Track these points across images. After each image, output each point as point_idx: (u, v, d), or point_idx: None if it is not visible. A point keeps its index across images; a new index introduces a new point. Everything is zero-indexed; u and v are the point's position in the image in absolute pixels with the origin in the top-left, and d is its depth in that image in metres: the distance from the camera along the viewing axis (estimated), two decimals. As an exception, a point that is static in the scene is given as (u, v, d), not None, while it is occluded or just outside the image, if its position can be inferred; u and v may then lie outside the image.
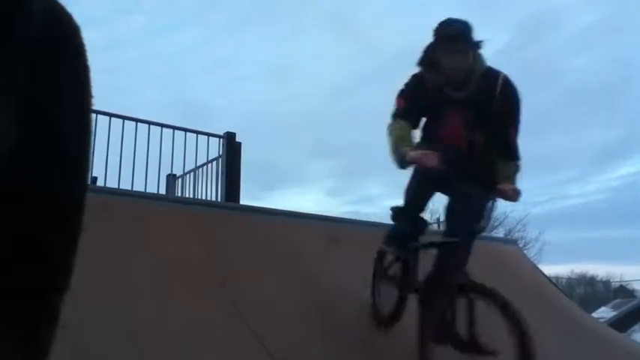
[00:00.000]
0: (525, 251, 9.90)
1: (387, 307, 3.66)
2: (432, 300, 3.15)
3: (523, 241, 27.50)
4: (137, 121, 6.76)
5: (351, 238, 4.93)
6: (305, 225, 5.07)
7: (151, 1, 48.28)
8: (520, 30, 47.00)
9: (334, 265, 4.41)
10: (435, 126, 3.37)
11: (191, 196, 7.49)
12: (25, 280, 0.55)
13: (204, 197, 7.31)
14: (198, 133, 7.26)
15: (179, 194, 7.61)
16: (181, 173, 7.65)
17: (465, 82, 3.25)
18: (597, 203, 45.27)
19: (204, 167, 7.48)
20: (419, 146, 3.28)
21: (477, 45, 3.25)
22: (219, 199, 7.09)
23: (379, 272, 3.92)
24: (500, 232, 29.85)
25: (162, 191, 7.13)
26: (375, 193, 45.63)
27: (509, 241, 8.56)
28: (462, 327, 2.98)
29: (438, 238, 3.47)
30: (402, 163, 3.23)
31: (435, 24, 3.27)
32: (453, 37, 3.20)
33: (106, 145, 6.31)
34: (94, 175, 5.92)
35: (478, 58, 3.28)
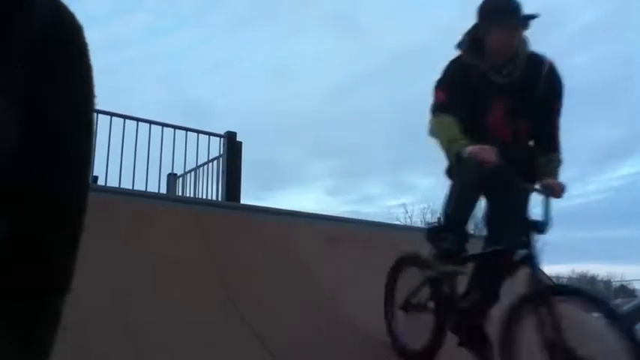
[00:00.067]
0: (526, 251, 9.84)
1: (416, 338, 3.22)
2: (523, 315, 2.71)
3: (524, 240, 27.43)
4: (138, 120, 6.77)
5: (352, 238, 4.93)
6: (306, 224, 5.07)
7: (152, 1, 48.35)
8: (522, 29, 46.83)
9: (335, 264, 4.41)
10: (478, 115, 3.07)
11: (192, 195, 7.50)
12: (25, 280, 0.55)
13: (204, 197, 7.32)
14: (199, 132, 7.27)
15: (180, 193, 7.62)
16: (182, 173, 7.65)
17: (510, 66, 3.01)
18: (598, 203, 45.19)
19: (205, 167, 7.49)
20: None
21: (528, 21, 2.94)
22: (219, 199, 7.09)
23: (394, 298, 3.56)
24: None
25: (163, 190, 7.14)
26: (375, 193, 45.67)
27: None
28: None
29: (493, 247, 3.05)
30: (458, 161, 2.92)
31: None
32: (504, 8, 2.93)
33: (107, 145, 6.32)
34: (94, 174, 5.93)
35: (524, 40, 3.04)
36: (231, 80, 49.45)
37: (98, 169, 5.99)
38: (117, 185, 6.10)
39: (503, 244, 2.95)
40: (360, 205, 44.09)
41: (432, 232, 3.19)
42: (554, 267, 33.13)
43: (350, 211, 43.01)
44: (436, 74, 3.22)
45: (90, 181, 0.64)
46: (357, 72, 48.19)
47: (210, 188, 7.39)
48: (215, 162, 7.42)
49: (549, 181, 2.98)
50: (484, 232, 3.33)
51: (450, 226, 3.10)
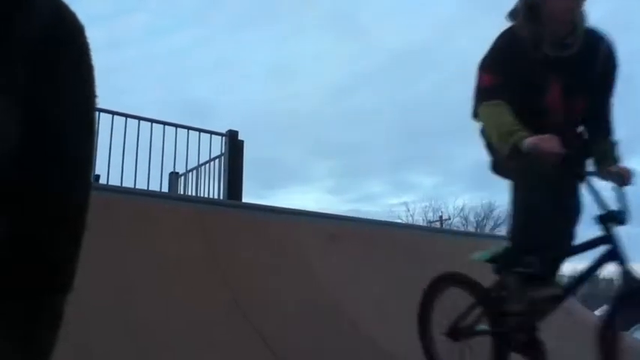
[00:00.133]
0: (528, 249, 9.83)
1: None
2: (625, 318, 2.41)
3: (526, 239, 27.41)
4: (140, 119, 6.77)
5: (354, 236, 4.93)
6: (307, 223, 5.07)
7: (152, 1, 48.31)
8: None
9: (337, 262, 4.41)
10: (534, 95, 2.69)
11: (193, 194, 7.50)
12: (25, 280, 0.55)
13: (206, 195, 7.31)
14: (200, 131, 7.26)
15: (181, 192, 7.61)
16: (184, 171, 7.65)
17: (571, 38, 2.64)
18: (600, 201, 45.00)
19: (207, 165, 7.48)
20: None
21: None
22: (221, 197, 7.09)
23: (431, 321, 3.11)
24: (503, 231, 29.86)
25: (165, 189, 7.14)
26: (376, 192, 45.75)
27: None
28: None
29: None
30: (513, 155, 2.48)
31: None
32: None
33: (109, 144, 6.32)
34: (96, 173, 5.93)
35: (582, 13, 2.69)
36: (232, 80, 49.56)
37: (100, 167, 5.99)
38: (119, 184, 6.10)
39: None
40: (361, 204, 44.19)
41: (508, 260, 2.62)
42: (556, 265, 33.07)
43: (351, 209, 43.05)
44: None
45: (92, 180, 0.64)
46: (358, 71, 48.24)
47: (211, 187, 7.40)
48: (217, 161, 7.42)
49: (616, 167, 2.63)
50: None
51: (528, 245, 2.54)
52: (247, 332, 3.33)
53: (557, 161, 2.41)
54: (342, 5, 49.67)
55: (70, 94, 0.58)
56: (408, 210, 34.17)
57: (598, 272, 2.58)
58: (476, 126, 2.90)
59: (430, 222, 31.76)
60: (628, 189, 2.58)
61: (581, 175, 2.65)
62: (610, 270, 2.71)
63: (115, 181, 6.12)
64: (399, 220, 25.70)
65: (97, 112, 0.63)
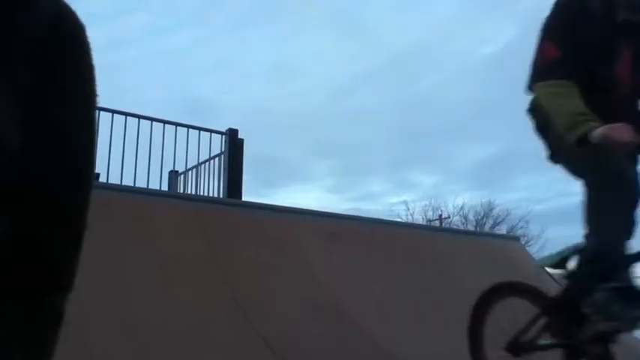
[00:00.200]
0: (528, 248, 9.89)
1: None
2: None
3: (525, 237, 27.51)
4: (140, 117, 6.76)
5: (354, 235, 4.93)
6: (307, 221, 5.06)
7: (153, 0, 48.31)
8: (527, 24, 46.84)
9: (337, 261, 4.41)
10: (601, 66, 2.33)
11: (193, 192, 7.50)
12: (25, 280, 0.55)
13: (206, 194, 7.31)
14: (200, 129, 7.26)
15: (181, 191, 7.61)
16: (184, 170, 7.65)
17: None
18: (600, 200, 45.05)
19: (207, 164, 7.48)
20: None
21: None
22: (221, 196, 7.09)
23: (483, 335, 2.82)
24: (502, 229, 29.88)
25: (165, 188, 7.14)
26: (377, 190, 45.73)
27: (512, 238, 8.55)
28: None
29: None
30: (581, 144, 2.14)
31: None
32: None
33: (109, 142, 6.32)
34: (96, 171, 5.92)
35: None
36: (232, 79, 49.53)
37: (100, 166, 5.99)
38: (118, 182, 6.10)
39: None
40: (361, 203, 44.19)
41: (589, 270, 2.26)
42: (556, 264, 33.13)
43: (351, 208, 43.02)
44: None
45: (92, 179, 0.63)
46: (358, 71, 48.23)
47: (211, 185, 7.40)
48: (217, 159, 7.42)
49: None
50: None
51: (608, 254, 2.21)
52: (247, 331, 3.33)
53: (630, 151, 2.13)
54: (342, 5, 49.66)
55: (71, 94, 0.58)
56: (408, 209, 34.14)
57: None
58: (525, 100, 2.54)
59: (430, 221, 31.77)
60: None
61: None
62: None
63: (114, 180, 6.12)
64: (399, 219, 25.72)
65: (97, 111, 0.62)
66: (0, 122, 0.49)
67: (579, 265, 2.36)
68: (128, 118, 6.62)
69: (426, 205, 34.29)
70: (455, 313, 4.35)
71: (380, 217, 7.54)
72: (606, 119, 2.11)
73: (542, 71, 2.37)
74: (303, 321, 3.62)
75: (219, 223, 4.39)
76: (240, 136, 7.61)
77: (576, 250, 2.39)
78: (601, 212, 2.20)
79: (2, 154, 0.49)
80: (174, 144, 6.96)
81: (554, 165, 2.47)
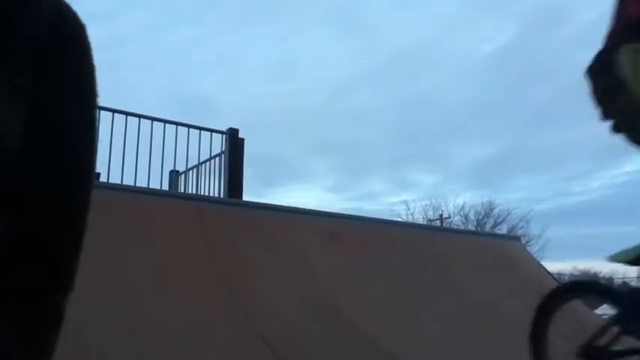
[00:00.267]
0: (528, 248, 9.89)
1: None
2: None
3: (526, 237, 27.52)
4: (140, 117, 6.76)
5: (353, 235, 4.93)
6: (308, 221, 5.06)
7: (153, -1, 48.27)
8: (525, 24, 46.85)
9: (336, 261, 4.41)
10: None
11: (194, 192, 7.50)
12: (25, 279, 0.55)
13: (206, 193, 7.31)
14: (201, 129, 7.26)
15: (182, 190, 7.61)
16: (184, 169, 7.65)
17: None
18: (602, 199, 45.25)
19: (207, 163, 7.48)
20: None
21: None
22: (221, 196, 7.09)
23: (547, 341, 2.67)
24: (503, 229, 29.89)
25: (165, 187, 7.14)
26: (377, 190, 45.79)
27: (512, 238, 8.55)
28: None
29: None
30: None
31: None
32: None
33: (109, 142, 6.32)
34: (97, 171, 5.93)
35: None
36: (233, 77, 49.52)
37: (100, 165, 5.99)
38: (119, 182, 6.10)
39: None
40: (361, 202, 44.26)
41: None
42: (557, 264, 33.22)
43: (352, 207, 43.13)
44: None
45: (93, 179, 0.63)
46: (359, 70, 48.25)
47: (212, 185, 7.40)
48: (217, 159, 7.42)
49: None
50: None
51: None
52: (247, 331, 3.33)
53: None
54: (342, 4, 49.65)
55: (72, 94, 0.58)
56: (408, 208, 34.17)
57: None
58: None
59: (430, 220, 31.77)
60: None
61: None
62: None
63: (115, 179, 6.12)
64: (399, 219, 25.71)
65: (97, 111, 0.62)
66: (0, 122, 0.49)
67: None
68: (129, 117, 6.63)
69: (426, 205, 34.34)
70: (455, 312, 4.35)
71: (380, 217, 7.54)
72: None
73: (627, 32, 2.02)
74: (303, 321, 3.62)
75: (220, 223, 4.39)
76: (240, 135, 7.62)
77: None
78: None
79: (2, 154, 0.49)
80: (174, 143, 6.97)
81: (616, 134, 2.20)
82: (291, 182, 47.33)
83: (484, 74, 44.95)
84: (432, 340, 3.76)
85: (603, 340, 2.38)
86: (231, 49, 50.80)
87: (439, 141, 44.98)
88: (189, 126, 7.13)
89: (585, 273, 39.33)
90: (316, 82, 50.04)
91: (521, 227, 30.91)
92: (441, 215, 32.86)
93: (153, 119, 6.86)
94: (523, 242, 8.62)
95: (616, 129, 2.18)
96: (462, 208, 33.65)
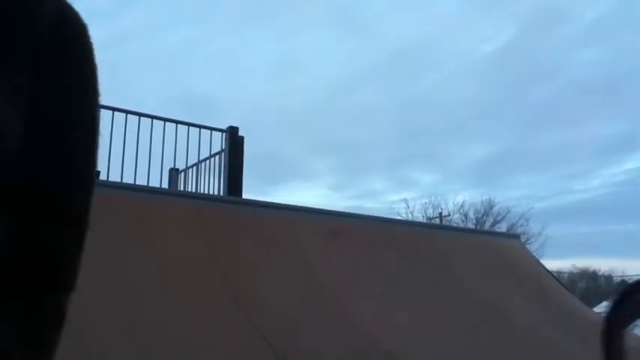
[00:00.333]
0: (528, 246, 9.90)
1: None
2: None
3: (526, 235, 27.55)
4: (140, 115, 6.76)
5: (353, 233, 4.93)
6: (308, 219, 5.07)
7: (154, -3, 48.21)
8: (527, 23, 46.80)
9: (336, 259, 4.41)
10: None
11: (194, 190, 7.50)
12: (26, 279, 0.55)
13: (206, 192, 7.31)
14: (201, 127, 7.26)
15: (182, 188, 7.62)
16: (184, 167, 7.65)
17: None
18: (601, 197, 45.28)
19: (207, 161, 7.48)
20: None
21: None
22: (221, 194, 7.09)
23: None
24: (502, 227, 29.92)
25: (165, 185, 7.14)
26: (378, 188, 45.79)
27: (512, 236, 8.55)
28: None
29: None
30: None
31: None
32: None
33: (109, 140, 6.32)
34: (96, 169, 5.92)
35: None
36: (234, 76, 49.45)
37: (100, 164, 5.97)
38: (119, 180, 6.10)
39: None
40: (362, 200, 44.26)
41: None
42: (556, 262, 33.28)
43: (352, 206, 43.05)
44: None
45: (95, 179, 0.63)
46: (359, 69, 48.16)
47: (212, 183, 7.40)
48: (217, 157, 7.42)
49: None
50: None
51: None
52: (247, 329, 3.33)
53: None
54: (342, 3, 49.56)
55: (73, 93, 0.58)
56: (408, 207, 34.17)
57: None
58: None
59: (430, 218, 31.79)
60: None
61: None
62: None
63: (115, 177, 6.12)
64: (399, 217, 25.73)
65: (99, 110, 0.62)
66: (0, 122, 0.49)
67: None
68: (128, 115, 6.63)
69: (426, 203, 34.33)
70: (454, 310, 4.36)
71: (380, 215, 7.54)
72: None
73: None
74: (303, 320, 3.62)
75: (220, 221, 4.39)
76: (240, 133, 7.62)
77: None
78: None
79: (2, 154, 0.49)
80: (174, 142, 6.97)
81: None
82: (292, 180, 47.34)
83: (484, 74, 44.88)
84: (431, 338, 3.77)
85: None
86: (231, 48, 50.69)
87: (439, 140, 44.95)
88: (189, 124, 7.13)
89: (584, 271, 39.41)
90: (316, 81, 49.96)
91: (521, 225, 30.93)
92: (440, 213, 32.88)
93: (153, 117, 6.86)
94: (522, 240, 8.63)
95: None
96: (462, 206, 33.68)
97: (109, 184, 4.79)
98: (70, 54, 0.57)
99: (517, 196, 48.03)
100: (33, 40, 0.53)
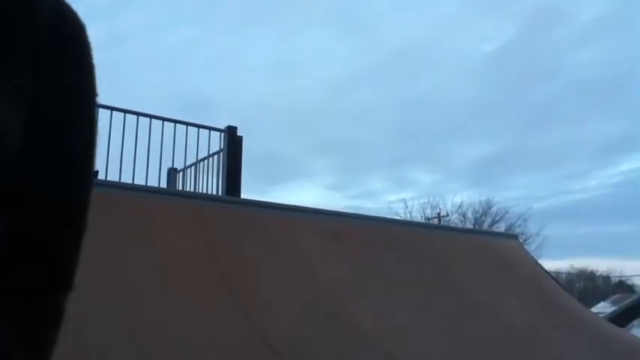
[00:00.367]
0: (526, 246, 9.91)
1: None
2: None
3: (524, 236, 27.58)
4: (138, 114, 6.76)
5: (352, 233, 4.93)
6: (306, 219, 5.07)
7: (153, -4, 48.12)
8: (525, 23, 46.82)
9: (335, 259, 4.41)
10: None
11: (192, 190, 7.50)
12: (25, 279, 0.55)
13: (204, 191, 7.31)
14: (199, 127, 7.26)
15: (180, 188, 7.61)
16: (182, 167, 7.65)
17: None
18: (599, 198, 45.39)
19: (206, 161, 7.48)
20: None
21: None
22: (220, 193, 7.09)
23: None
24: (501, 227, 29.94)
25: (164, 185, 7.14)
26: (377, 188, 45.85)
27: (510, 236, 8.56)
28: None
29: None
30: None
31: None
32: None
33: (107, 139, 6.31)
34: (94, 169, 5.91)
35: None
36: (234, 76, 49.41)
37: (98, 163, 5.95)
38: (117, 180, 6.09)
39: None
40: (361, 200, 44.32)
41: None
42: (554, 262, 33.31)
43: (351, 205, 43.10)
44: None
45: (93, 179, 0.63)
46: (359, 68, 48.19)
47: (210, 183, 7.40)
48: (215, 156, 7.42)
49: None
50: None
51: None
52: (246, 329, 3.33)
53: None
54: (342, 2, 49.55)
55: (72, 94, 0.58)
56: (407, 207, 34.20)
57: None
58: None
59: (428, 219, 31.81)
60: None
61: None
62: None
63: (113, 177, 6.11)
64: (398, 217, 25.74)
65: (97, 110, 0.62)
66: (0, 122, 0.49)
67: None
68: (127, 115, 6.62)
69: (424, 203, 34.36)
70: (452, 310, 4.36)
71: (379, 215, 7.55)
72: None
73: None
74: (303, 321, 3.62)
75: (219, 221, 4.39)
76: (240, 133, 7.62)
77: None
78: None
79: (2, 154, 0.49)
80: (173, 141, 6.96)
81: None
82: (292, 180, 47.37)
83: (484, 74, 44.95)
84: (429, 337, 3.77)
85: None
86: (231, 48, 50.66)
87: (439, 140, 45.00)
88: (187, 124, 7.13)
89: (582, 271, 39.47)
90: (316, 81, 49.97)
91: (519, 225, 30.99)
92: (438, 213, 32.90)
93: (151, 117, 6.85)
94: (521, 240, 8.64)
95: None
96: (460, 206, 33.71)
97: (107, 184, 4.79)
98: (70, 54, 0.57)
99: (515, 196, 48.17)
100: (33, 40, 0.53)
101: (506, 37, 48.38)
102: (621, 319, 9.37)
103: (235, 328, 3.33)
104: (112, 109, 6.44)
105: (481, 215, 33.28)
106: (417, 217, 32.01)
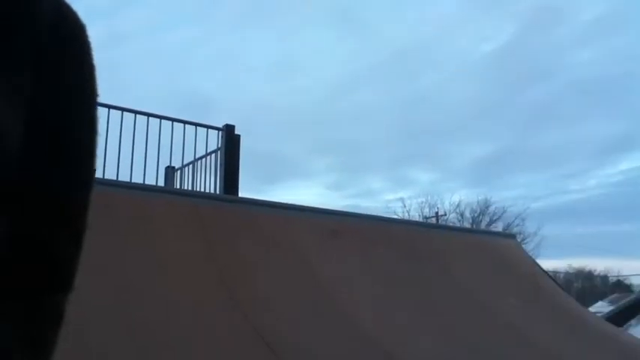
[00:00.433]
0: (523, 245, 9.93)
1: None
2: None
3: (521, 235, 27.64)
4: (136, 113, 6.75)
5: (352, 232, 4.94)
6: (305, 218, 5.07)
7: (153, -4, 48.01)
8: (525, 23, 46.84)
9: (333, 258, 4.41)
10: None
11: (189, 188, 7.49)
12: (25, 279, 0.55)
13: (202, 190, 7.31)
14: (197, 125, 7.25)
15: (178, 186, 7.61)
16: (180, 165, 7.64)
17: None
18: (597, 198, 45.50)
19: (203, 160, 7.47)
20: None
21: None
22: (217, 192, 7.09)
23: None
24: (499, 227, 29.99)
25: (161, 183, 7.13)
26: (376, 188, 45.90)
27: (508, 236, 8.57)
28: None
29: None
30: None
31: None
32: None
33: (105, 137, 6.30)
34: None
35: None
36: (233, 76, 49.35)
37: (96, 162, 5.97)
38: (115, 178, 6.09)
39: None
40: (359, 199, 44.36)
41: None
42: (552, 261, 33.39)
43: (349, 204, 43.11)
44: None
45: (93, 179, 0.63)
46: (358, 68, 48.17)
47: (208, 181, 7.39)
48: (213, 155, 7.41)
49: None
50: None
51: None
52: (245, 328, 3.33)
53: None
54: (342, 3, 49.50)
55: (72, 94, 0.58)
56: (405, 206, 34.23)
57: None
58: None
59: (426, 218, 31.85)
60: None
61: None
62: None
63: (111, 175, 6.11)
64: (396, 216, 25.77)
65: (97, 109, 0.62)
66: (0, 122, 0.49)
67: None
68: (125, 113, 6.61)
69: (422, 202, 34.39)
70: (450, 310, 4.37)
71: (377, 214, 7.55)
72: None
73: None
74: (302, 320, 3.62)
75: (217, 220, 4.39)
76: (239, 132, 7.62)
77: None
78: None
79: (2, 154, 0.49)
80: (170, 140, 6.96)
81: None
82: (290, 179, 47.37)
83: (484, 74, 44.97)
84: (427, 337, 3.77)
85: None
86: (231, 48, 50.58)
87: (438, 140, 45.03)
88: (185, 122, 7.12)
89: (580, 271, 39.57)
90: (316, 81, 49.92)
91: (517, 225, 31.04)
92: (436, 213, 32.93)
93: (149, 115, 6.85)
94: (518, 240, 8.65)
95: None
96: (458, 205, 33.74)
97: (104, 182, 4.78)
98: (70, 54, 0.57)
99: (513, 195, 48.25)
100: (33, 40, 0.53)
101: (506, 37, 48.42)
102: (619, 318, 9.41)
103: (233, 326, 3.33)
104: (110, 107, 6.43)
105: (479, 215, 33.34)
106: (415, 216, 32.05)
